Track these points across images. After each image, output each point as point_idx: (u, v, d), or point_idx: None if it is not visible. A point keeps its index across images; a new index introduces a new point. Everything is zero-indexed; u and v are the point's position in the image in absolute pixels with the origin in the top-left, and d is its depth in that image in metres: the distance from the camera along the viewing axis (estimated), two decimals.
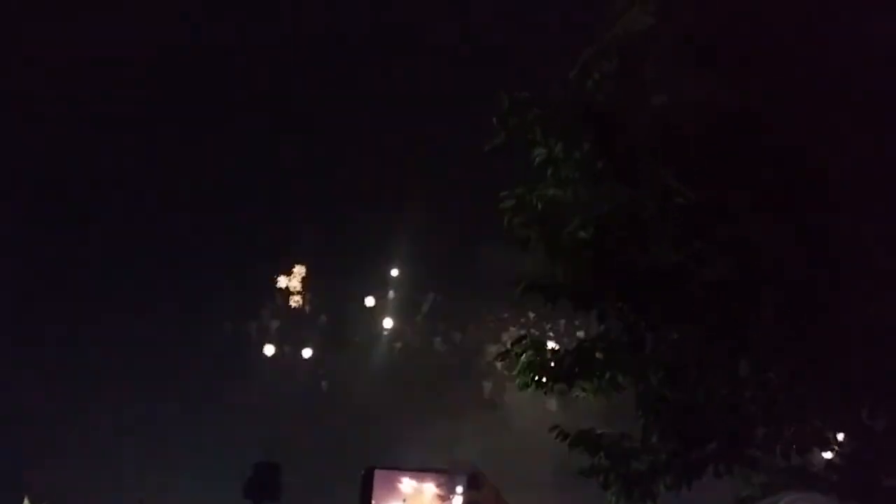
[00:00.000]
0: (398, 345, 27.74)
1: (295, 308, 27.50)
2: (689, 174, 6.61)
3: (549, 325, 23.43)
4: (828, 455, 7.03)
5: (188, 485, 21.71)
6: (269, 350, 27.04)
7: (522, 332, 8.60)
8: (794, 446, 6.63)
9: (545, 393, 7.72)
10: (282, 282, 27.35)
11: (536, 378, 7.46)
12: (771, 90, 6.17)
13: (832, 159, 5.95)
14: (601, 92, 6.81)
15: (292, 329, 27.56)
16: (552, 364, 7.41)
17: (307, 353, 27.40)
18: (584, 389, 7.45)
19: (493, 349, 23.07)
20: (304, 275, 27.55)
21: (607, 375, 7.30)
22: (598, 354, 7.29)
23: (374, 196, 24.50)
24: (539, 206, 7.14)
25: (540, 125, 6.91)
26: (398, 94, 24.62)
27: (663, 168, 6.70)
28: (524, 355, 7.50)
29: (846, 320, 6.05)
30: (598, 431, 7.33)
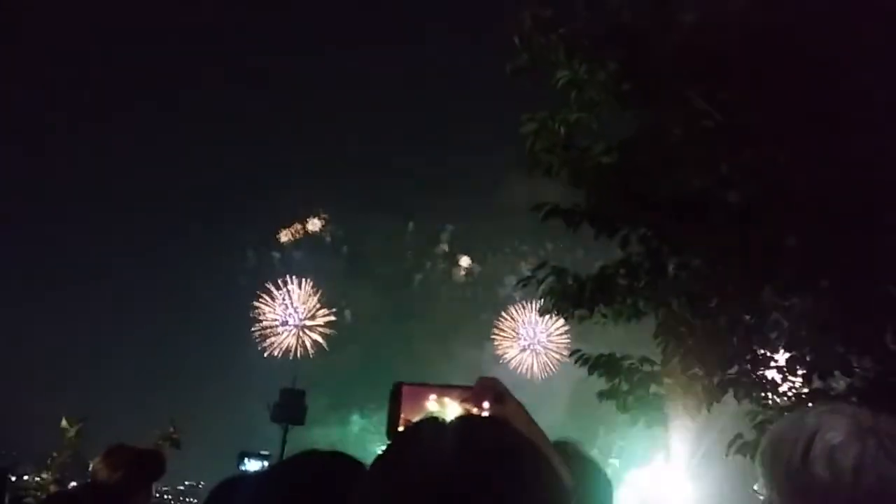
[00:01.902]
0: (419, 276, 27.90)
1: (317, 239, 27.65)
2: (716, 96, 6.45)
3: (568, 257, 23.46)
4: (849, 379, 7.02)
5: (218, 409, 22.31)
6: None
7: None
8: (816, 370, 6.62)
9: (566, 319, 7.74)
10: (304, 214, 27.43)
11: (557, 303, 7.48)
12: (804, 4, 5.94)
13: (869, 76, 5.75)
14: (627, 10, 6.62)
15: (315, 260, 27.80)
16: (574, 290, 7.40)
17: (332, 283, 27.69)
18: (604, 315, 7.46)
19: (512, 280, 23.15)
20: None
21: (628, 301, 7.31)
22: (619, 280, 7.28)
23: (392, 130, 24.29)
24: (562, 131, 7.03)
25: (564, 45, 6.75)
26: (415, 17, 24.15)
27: (690, 89, 6.54)
28: (545, 282, 7.50)
29: (872, 243, 5.95)
30: (619, 355, 7.37)
